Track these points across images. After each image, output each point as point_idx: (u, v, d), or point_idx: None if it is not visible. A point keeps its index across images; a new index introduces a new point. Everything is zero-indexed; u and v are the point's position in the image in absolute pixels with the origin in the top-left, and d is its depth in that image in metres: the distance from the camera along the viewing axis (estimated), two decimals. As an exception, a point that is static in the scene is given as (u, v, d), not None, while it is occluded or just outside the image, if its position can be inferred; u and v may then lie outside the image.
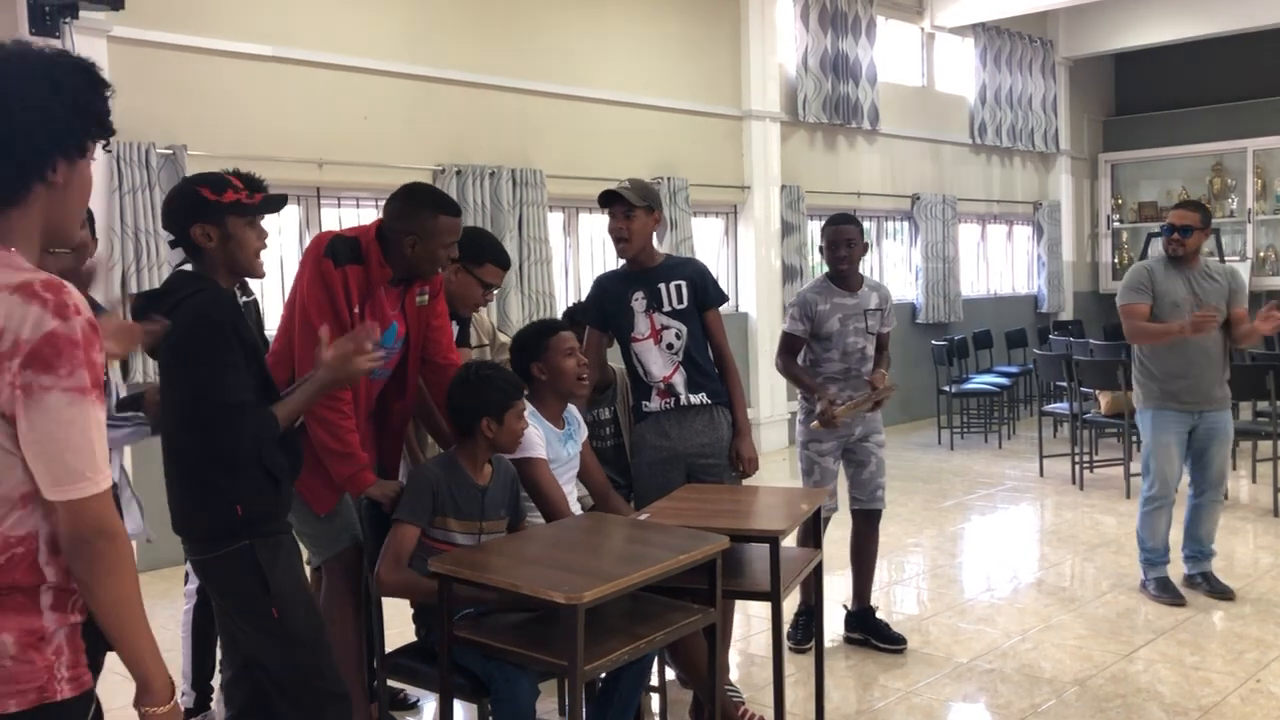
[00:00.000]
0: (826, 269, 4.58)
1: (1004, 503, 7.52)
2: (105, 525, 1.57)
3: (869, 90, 10.44)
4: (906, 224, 11.30)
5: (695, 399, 3.95)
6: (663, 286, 3.95)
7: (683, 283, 3.97)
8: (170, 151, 6.01)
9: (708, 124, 9.22)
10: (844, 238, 4.47)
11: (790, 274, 9.80)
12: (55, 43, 5.48)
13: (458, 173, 7.29)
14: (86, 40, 5.63)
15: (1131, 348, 5.17)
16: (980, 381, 10.11)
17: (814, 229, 10.21)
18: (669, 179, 8.63)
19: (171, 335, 2.59)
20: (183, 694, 3.57)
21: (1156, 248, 12.68)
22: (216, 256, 2.68)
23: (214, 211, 2.65)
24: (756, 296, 9.53)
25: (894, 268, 11.37)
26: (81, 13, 5.50)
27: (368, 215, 7.20)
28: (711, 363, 4.03)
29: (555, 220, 8.21)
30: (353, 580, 3.31)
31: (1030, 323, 12.46)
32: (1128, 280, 5.06)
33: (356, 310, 3.09)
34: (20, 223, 1.63)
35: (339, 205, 7.05)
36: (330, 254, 3.12)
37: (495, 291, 3.89)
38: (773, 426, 9.60)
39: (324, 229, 6.78)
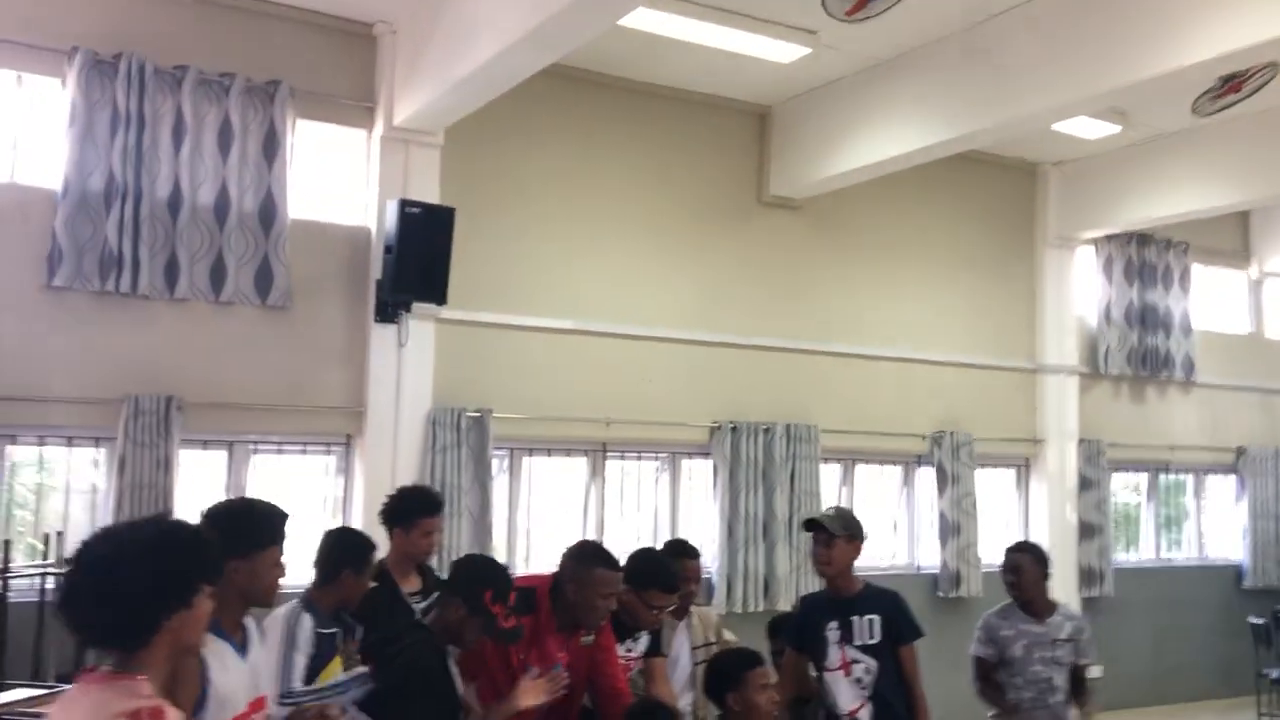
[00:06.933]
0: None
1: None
2: None
3: (1182, 341, 10.04)
4: (1232, 478, 10.51)
5: None
6: (856, 620, 4.11)
7: (876, 617, 4.11)
8: (478, 414, 6.91)
9: (997, 377, 9.22)
10: (1009, 564, 4.55)
11: (1088, 531, 9.38)
12: (392, 328, 6.57)
13: (733, 429, 7.77)
14: (420, 324, 6.72)
15: None
16: (1311, 664, 9.06)
17: (1117, 483, 9.80)
18: (951, 433, 8.68)
19: (391, 678, 3.20)
20: None
21: None
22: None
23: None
24: (1050, 553, 9.16)
25: (1215, 525, 10.55)
26: (414, 304, 6.58)
27: (648, 469, 7.81)
28: (902, 700, 4.10)
29: (830, 472, 8.44)
30: None
31: (1392, 592, 11.01)
32: None
33: (523, 656, 3.57)
34: (149, 657, 2.05)
35: (622, 458, 7.72)
36: None
37: (670, 610, 4.14)
38: None
39: (607, 479, 7.51)
